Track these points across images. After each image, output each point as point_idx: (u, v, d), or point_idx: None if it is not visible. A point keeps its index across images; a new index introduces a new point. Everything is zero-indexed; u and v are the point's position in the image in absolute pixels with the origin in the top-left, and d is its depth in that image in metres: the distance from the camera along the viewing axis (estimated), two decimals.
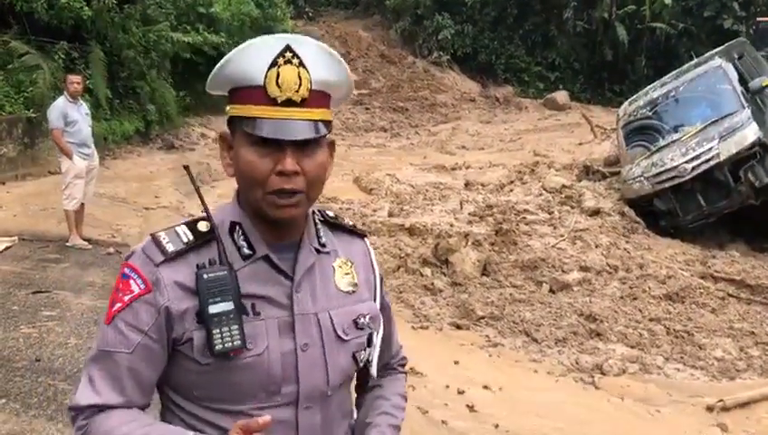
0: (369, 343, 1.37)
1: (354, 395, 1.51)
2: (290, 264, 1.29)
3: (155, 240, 1.27)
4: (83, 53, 12.51)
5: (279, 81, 1.19)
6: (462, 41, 23.77)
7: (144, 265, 1.25)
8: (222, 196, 10.79)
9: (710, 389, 5.34)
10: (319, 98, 1.23)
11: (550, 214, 9.33)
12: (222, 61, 1.24)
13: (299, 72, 1.20)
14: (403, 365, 1.59)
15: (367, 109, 20.40)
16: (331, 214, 1.44)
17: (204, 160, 13.09)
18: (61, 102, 7.41)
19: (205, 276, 1.22)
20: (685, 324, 6.47)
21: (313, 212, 1.38)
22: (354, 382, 1.49)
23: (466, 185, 11.21)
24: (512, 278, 7.44)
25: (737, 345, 6.07)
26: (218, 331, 1.20)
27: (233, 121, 1.25)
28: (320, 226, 1.38)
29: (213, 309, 1.20)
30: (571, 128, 18.13)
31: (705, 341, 6.14)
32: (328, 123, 1.26)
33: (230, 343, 1.20)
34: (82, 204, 7.60)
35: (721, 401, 4.97)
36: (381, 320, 1.41)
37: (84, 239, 7.57)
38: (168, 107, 14.67)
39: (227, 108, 1.26)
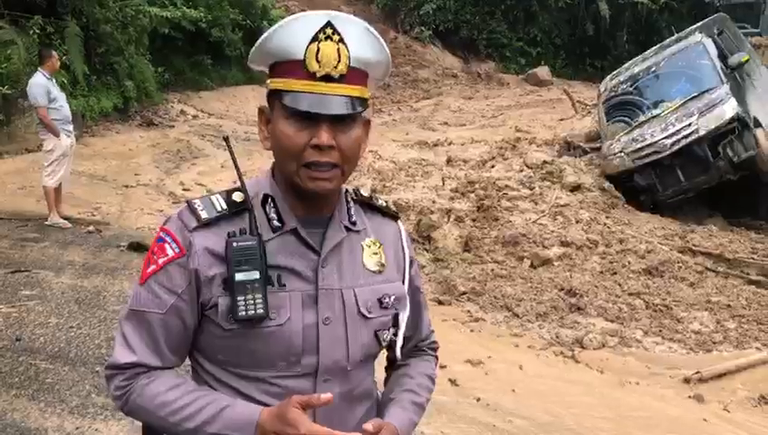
0: (395, 323, 1.40)
1: (383, 375, 1.52)
2: (319, 239, 1.32)
3: (190, 207, 1.31)
4: (59, 27, 12.25)
5: (319, 56, 1.22)
6: (444, 16, 23.59)
7: (179, 230, 1.29)
8: (202, 173, 10.71)
9: (687, 361, 5.44)
10: (357, 75, 1.26)
11: (531, 190, 9.38)
12: (264, 35, 1.26)
13: (338, 49, 1.22)
14: (434, 348, 1.61)
15: None
16: (365, 193, 1.45)
17: (184, 138, 12.98)
18: (42, 79, 7.28)
19: (234, 244, 1.25)
20: (663, 298, 6.57)
21: (347, 190, 1.40)
22: (382, 366, 1.50)
23: (448, 161, 11.21)
24: (493, 254, 7.49)
25: (714, 318, 6.18)
26: (243, 298, 1.23)
27: (272, 95, 1.29)
28: (352, 204, 1.40)
29: (239, 277, 1.24)
30: (553, 103, 18.15)
31: (683, 314, 6.25)
32: (364, 101, 1.28)
33: (253, 311, 1.24)
34: (61, 183, 7.52)
35: (698, 372, 5.07)
36: (408, 301, 1.42)
37: (64, 218, 7.49)
38: (146, 83, 14.45)
39: (268, 81, 1.29)
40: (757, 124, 9.04)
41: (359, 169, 11.09)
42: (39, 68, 7.52)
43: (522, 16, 23.94)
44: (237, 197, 1.32)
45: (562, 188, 9.45)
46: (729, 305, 6.45)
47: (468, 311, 6.26)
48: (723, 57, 9.57)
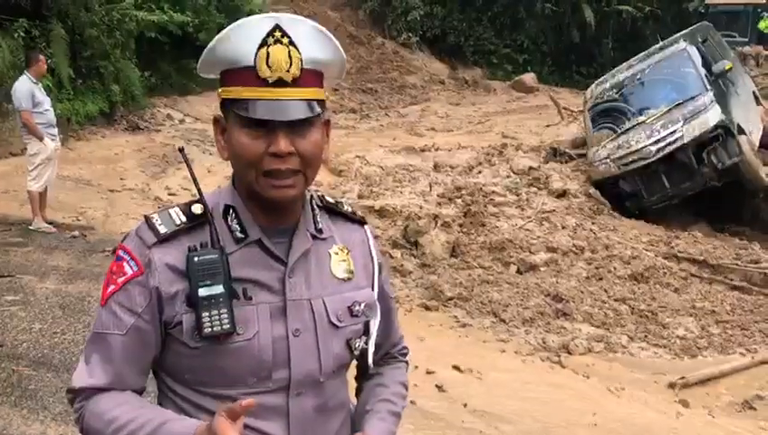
0: (366, 331, 1.36)
1: (354, 385, 1.49)
2: (284, 248, 1.28)
3: (148, 222, 1.26)
4: (44, 31, 12.17)
5: (269, 61, 1.18)
6: (431, 22, 23.67)
7: (137, 247, 1.25)
8: (188, 178, 10.64)
9: (672, 366, 5.48)
10: (311, 77, 1.22)
11: (517, 196, 9.42)
12: (211, 43, 1.22)
13: (289, 52, 1.18)
14: (404, 355, 1.58)
15: (336, 90, 20.24)
16: (330, 199, 1.41)
17: (170, 142, 12.90)
18: (27, 83, 7.21)
19: (195, 259, 1.21)
20: (649, 304, 6.61)
21: (312, 197, 1.36)
22: (354, 373, 1.47)
23: (435, 167, 11.24)
24: (480, 259, 7.51)
25: (699, 324, 6.23)
26: (207, 314, 1.19)
27: (225, 104, 1.24)
28: (317, 211, 1.36)
29: (203, 292, 1.20)
30: (539, 110, 18.24)
31: (668, 320, 6.29)
32: (322, 102, 1.25)
33: (219, 327, 1.19)
34: (46, 187, 7.46)
35: (682, 378, 5.11)
36: (378, 308, 1.39)
37: (48, 222, 7.43)
38: (132, 87, 14.37)
39: (219, 90, 1.24)
40: (741, 131, 9.14)
41: (346, 175, 11.09)
42: (25, 71, 7.46)
43: (508, 23, 24.08)
44: (197, 209, 1.27)
45: (549, 194, 9.50)
46: (713, 311, 6.51)
47: (455, 316, 6.26)
48: (707, 65, 9.68)
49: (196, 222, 1.26)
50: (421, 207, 8.79)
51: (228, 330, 1.20)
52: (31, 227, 7.30)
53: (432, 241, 7.60)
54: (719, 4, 20.49)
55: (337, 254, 1.35)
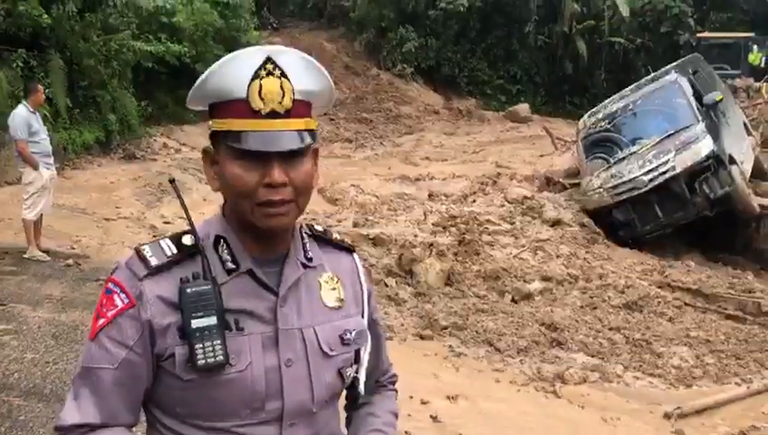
0: (357, 359, 1.36)
1: (344, 414, 1.48)
2: (275, 278, 1.28)
3: (138, 254, 1.25)
4: (42, 61, 12.27)
5: (262, 93, 1.19)
6: (425, 54, 23.97)
7: (128, 280, 1.23)
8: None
9: (668, 396, 5.46)
10: (302, 107, 1.24)
11: (512, 224, 9.45)
12: (203, 75, 1.23)
13: (281, 84, 1.20)
14: (393, 382, 1.58)
15: (332, 120, 20.40)
16: (319, 228, 1.42)
17: (166, 171, 12.93)
18: (24, 112, 7.26)
19: (188, 290, 1.20)
20: (643, 333, 6.60)
21: (301, 226, 1.37)
22: (344, 402, 1.47)
23: (430, 195, 11.29)
24: (475, 288, 7.51)
25: (693, 353, 6.22)
26: (201, 346, 1.18)
27: (216, 136, 1.25)
28: (307, 240, 1.36)
29: (195, 324, 1.19)
30: (533, 140, 18.39)
31: (662, 349, 6.28)
32: (312, 132, 1.26)
33: (213, 359, 1.19)
34: (41, 215, 7.46)
35: (678, 408, 5.08)
36: (369, 336, 1.39)
37: (42, 251, 7.41)
38: (129, 116, 14.46)
39: (210, 123, 1.25)
40: (732, 161, 9.23)
41: (341, 203, 11.12)
42: (23, 101, 7.52)
43: (502, 55, 24.40)
44: (187, 240, 1.26)
45: (543, 223, 9.54)
46: (708, 340, 6.50)
47: (450, 346, 6.24)
48: (698, 96, 9.80)
49: (186, 253, 1.25)
50: (416, 236, 8.80)
51: (221, 362, 1.19)
52: (25, 256, 7.28)
53: (427, 270, 7.61)
54: (710, 37, 20.78)
55: (327, 282, 1.35)
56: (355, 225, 9.61)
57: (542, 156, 15.32)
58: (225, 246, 1.27)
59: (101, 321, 1.23)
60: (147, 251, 1.25)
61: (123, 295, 1.22)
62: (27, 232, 7.35)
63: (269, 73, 1.20)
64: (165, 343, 1.21)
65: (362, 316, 1.39)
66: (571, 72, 24.63)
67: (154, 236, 9.13)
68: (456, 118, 22.63)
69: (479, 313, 6.88)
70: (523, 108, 22.74)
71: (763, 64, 19.89)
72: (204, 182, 12.51)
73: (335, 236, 1.44)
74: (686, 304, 7.45)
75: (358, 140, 19.22)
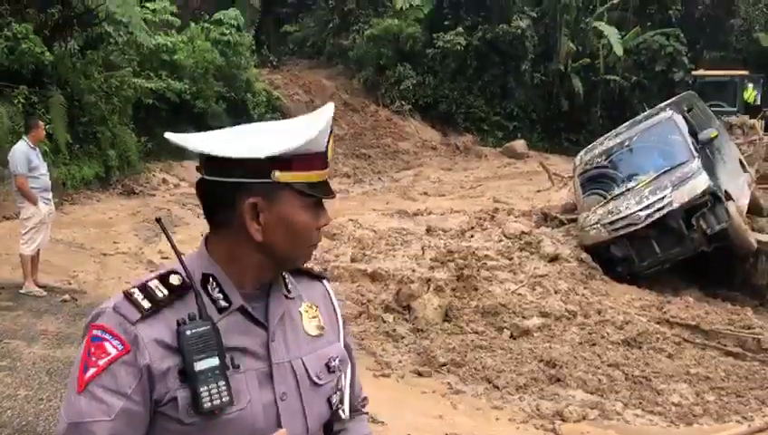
0: (338, 385, 1.38)
1: None
2: (262, 312, 1.29)
3: (129, 297, 1.23)
4: (43, 97, 12.39)
5: (328, 146, 1.29)
6: (423, 91, 24.23)
7: (119, 325, 1.20)
8: (181, 242, 10.64)
9: (668, 434, 5.40)
10: None
11: (509, 260, 9.44)
12: (288, 137, 1.24)
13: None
14: (364, 405, 1.59)
15: None
16: None
17: (164, 206, 12.96)
18: (24, 148, 7.31)
19: (187, 333, 1.18)
20: (642, 370, 6.55)
21: None
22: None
23: (428, 231, 11.30)
24: (473, 324, 7.47)
25: (693, 390, 6.17)
26: (206, 388, 1.17)
27: (274, 187, 1.24)
28: (284, 272, 1.38)
29: (198, 366, 1.17)
30: (530, 175, 18.49)
31: (662, 386, 6.22)
32: None
33: (218, 401, 1.18)
34: (38, 250, 7.46)
35: None
36: (348, 361, 1.42)
37: (39, 286, 7.39)
38: (128, 152, 14.55)
39: (277, 174, 1.23)
40: (728, 197, 9.26)
41: (339, 238, 11.12)
42: (24, 136, 7.58)
43: (498, 92, 24.66)
44: (175, 280, 1.25)
45: (541, 258, 9.52)
46: (708, 377, 6.45)
47: (448, 383, 6.18)
48: (693, 133, 9.88)
49: (177, 294, 1.24)
50: (414, 271, 8.79)
51: (228, 402, 1.18)
52: (21, 291, 7.26)
53: (425, 305, 7.58)
54: (705, 76, 21.02)
55: (307, 311, 1.38)
56: (353, 260, 9.60)
57: (539, 191, 15.38)
58: (215, 284, 1.26)
59: (92, 371, 1.18)
60: (137, 294, 1.23)
61: (116, 341, 1.18)
62: (24, 267, 7.34)
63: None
64: (165, 388, 1.18)
65: (339, 341, 1.42)
66: (567, 109, 24.88)
67: (151, 272, 9.11)
68: (453, 154, 22.78)
69: (477, 349, 6.83)
70: (519, 144, 22.91)
71: (757, 102, 20.10)
72: (202, 217, 12.52)
73: (306, 265, 1.47)
74: (685, 340, 7.41)
75: (356, 175, 19.31)
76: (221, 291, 1.26)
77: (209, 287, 1.26)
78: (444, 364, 6.46)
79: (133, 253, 9.75)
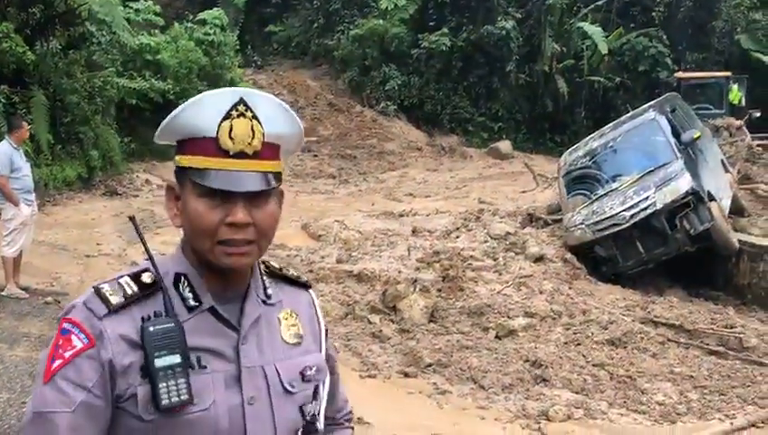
0: (316, 395, 1.36)
1: None
2: (236, 315, 1.28)
3: (98, 293, 1.23)
4: (25, 97, 12.27)
5: (232, 133, 1.20)
6: (408, 91, 24.24)
7: (86, 319, 1.20)
8: (165, 243, 10.57)
9: (652, 433, 5.44)
10: (270, 150, 1.25)
11: (495, 260, 9.47)
12: (174, 111, 1.24)
13: (252, 126, 1.21)
14: (349, 420, 1.57)
15: (315, 156, 20.49)
16: (275, 265, 1.43)
17: (148, 207, 12.87)
18: (7, 148, 7.23)
19: (150, 329, 1.19)
20: (627, 369, 6.59)
21: (259, 263, 1.37)
22: None
23: (414, 231, 11.30)
24: (459, 325, 7.48)
25: (677, 389, 6.22)
26: (165, 385, 1.16)
27: (181, 172, 1.25)
28: (265, 277, 1.37)
29: (159, 362, 1.17)
30: (515, 176, 18.56)
31: (646, 385, 6.27)
32: (279, 175, 1.27)
33: (177, 398, 1.17)
34: (20, 252, 7.37)
35: None
36: (327, 371, 1.40)
37: (21, 288, 7.31)
38: (111, 153, 14.44)
39: (176, 158, 1.26)
40: (711, 198, 9.35)
41: (325, 239, 11.10)
42: (6, 136, 7.49)
43: (483, 93, 24.71)
44: (147, 278, 1.26)
45: (526, 258, 9.56)
46: (691, 376, 6.50)
47: (434, 383, 6.19)
48: (676, 134, 9.96)
49: (147, 291, 1.24)
50: (400, 272, 8.79)
51: (186, 401, 1.17)
52: (3, 293, 7.17)
53: (411, 306, 7.58)
54: (690, 78, 21.14)
55: (286, 319, 1.36)
56: (339, 261, 9.58)
57: (523, 192, 15.44)
58: (186, 284, 1.26)
59: (57, 362, 1.19)
60: (107, 290, 1.23)
61: (82, 335, 1.19)
62: (6, 269, 7.25)
63: (240, 115, 1.21)
64: (126, 383, 1.19)
65: (320, 351, 1.40)
66: (552, 110, 24.98)
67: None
68: (438, 154, 22.80)
69: (463, 349, 6.84)
70: (504, 145, 22.97)
71: (743, 103, 20.20)
72: None
73: (291, 272, 1.45)
74: (669, 339, 7.46)
75: (341, 175, 19.29)
76: (192, 290, 1.26)
77: (181, 286, 1.26)
78: (430, 365, 6.47)
79: (116, 254, 9.67)
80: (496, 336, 7.30)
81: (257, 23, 27.13)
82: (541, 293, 8.37)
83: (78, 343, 1.19)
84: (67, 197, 12.81)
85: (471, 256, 9.47)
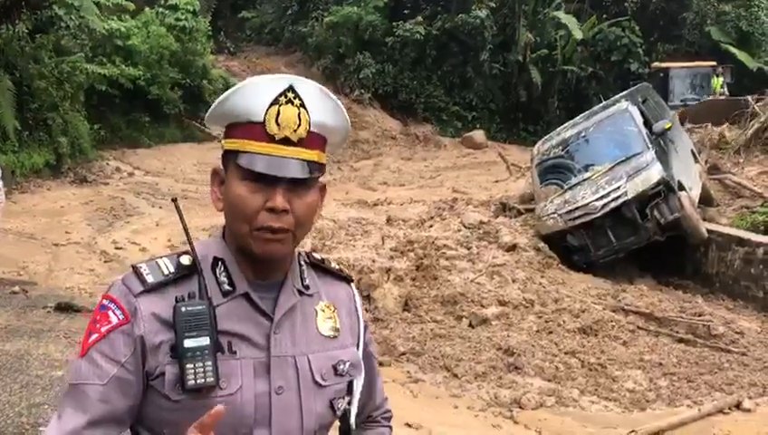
0: (350, 391, 1.34)
1: None
2: (271, 304, 1.27)
3: (135, 271, 1.25)
4: None
5: (279, 119, 1.21)
6: (383, 80, 24.17)
7: (123, 296, 1.23)
8: (136, 231, 10.45)
9: (623, 420, 5.52)
10: (315, 139, 1.25)
11: (468, 249, 9.50)
12: (223, 96, 1.25)
13: (299, 113, 1.22)
14: (388, 418, 1.56)
15: None
16: (317, 256, 1.42)
17: (118, 195, 12.70)
18: None
19: (183, 309, 1.20)
20: (598, 357, 6.68)
21: (299, 254, 1.36)
22: None
23: (388, 220, 11.30)
24: (432, 313, 7.51)
25: (647, 376, 6.32)
26: (192, 366, 1.17)
27: (227, 155, 1.26)
28: (305, 267, 1.36)
29: (188, 343, 1.18)
30: (488, 166, 18.65)
31: (617, 373, 6.36)
32: (321, 166, 1.27)
33: (203, 380, 1.17)
34: None
35: (633, 431, 5.13)
36: (363, 367, 1.38)
37: None
38: (80, 140, 14.19)
39: (223, 142, 1.27)
40: (681, 188, 9.48)
41: None
42: None
43: (458, 82, 24.75)
44: (185, 260, 1.27)
45: (499, 247, 9.61)
46: (661, 364, 6.61)
47: (408, 372, 6.21)
48: (647, 124, 10.06)
49: (183, 273, 1.25)
50: (374, 261, 8.78)
51: (211, 383, 1.18)
52: None
53: (385, 295, 7.59)
54: (670, 67, 21.38)
55: (323, 311, 1.35)
56: (313, 250, 9.51)
57: (497, 181, 15.53)
58: (222, 268, 1.27)
59: (94, 336, 1.22)
60: (144, 269, 1.25)
61: (119, 311, 1.22)
62: None
63: (289, 101, 1.22)
64: (156, 361, 1.20)
65: (357, 347, 1.38)
66: (525, 100, 25.11)
67: (105, 262, 8.94)
68: (413, 143, 22.82)
69: (437, 338, 6.87)
70: (478, 134, 23.05)
71: (725, 91, 20.49)
72: (157, 207, 12.31)
73: (333, 265, 1.44)
74: (639, 327, 7.57)
75: None
76: (227, 275, 1.26)
77: (217, 271, 1.27)
78: (403, 353, 6.49)
79: (86, 243, 9.52)
80: (470, 325, 7.34)
81: (230, 8, 26.80)
82: (513, 281, 8.43)
83: (114, 318, 1.22)
84: (35, 184, 12.57)
85: (444, 245, 9.49)
